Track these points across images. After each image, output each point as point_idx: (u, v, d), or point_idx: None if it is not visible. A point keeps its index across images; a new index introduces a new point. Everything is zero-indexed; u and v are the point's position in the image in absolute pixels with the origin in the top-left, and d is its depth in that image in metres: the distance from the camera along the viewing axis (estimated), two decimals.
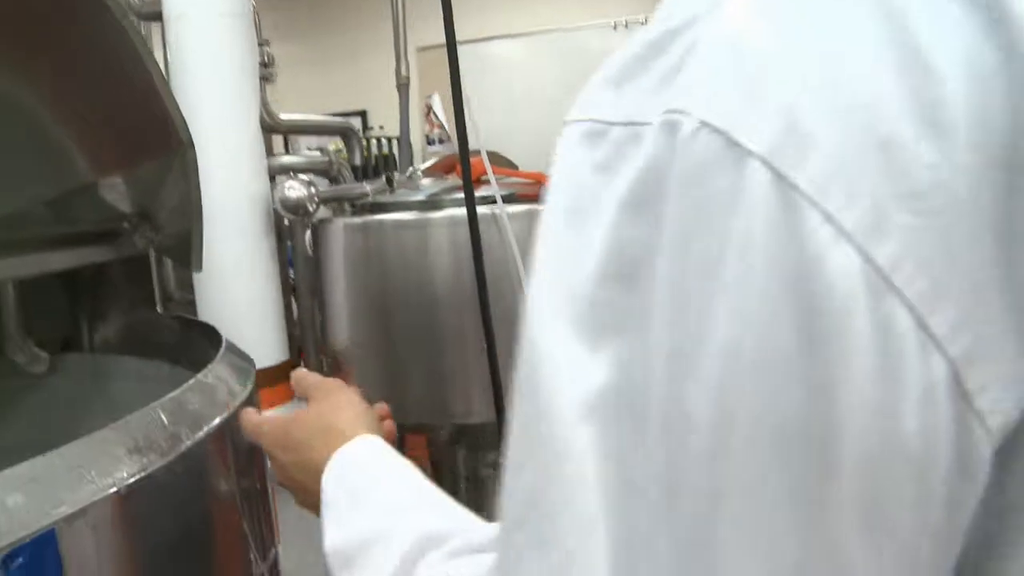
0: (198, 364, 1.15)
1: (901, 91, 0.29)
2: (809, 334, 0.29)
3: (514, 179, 2.08)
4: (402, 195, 1.99)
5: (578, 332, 0.34)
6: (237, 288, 1.87)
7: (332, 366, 2.16)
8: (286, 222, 2.26)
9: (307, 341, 2.42)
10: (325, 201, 1.95)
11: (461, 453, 2.18)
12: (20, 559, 0.48)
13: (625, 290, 0.34)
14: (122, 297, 1.40)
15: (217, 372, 0.84)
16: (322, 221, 1.97)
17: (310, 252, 2.33)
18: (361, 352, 1.98)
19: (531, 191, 1.91)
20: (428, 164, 2.03)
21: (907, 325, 0.28)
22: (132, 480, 0.59)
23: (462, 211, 1.72)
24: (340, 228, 1.90)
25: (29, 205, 1.19)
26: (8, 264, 1.14)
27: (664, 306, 0.32)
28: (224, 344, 0.94)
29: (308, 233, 2.29)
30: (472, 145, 1.73)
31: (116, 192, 1.21)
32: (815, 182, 0.29)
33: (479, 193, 1.76)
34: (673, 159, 0.31)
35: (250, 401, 0.85)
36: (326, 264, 2.00)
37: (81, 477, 0.56)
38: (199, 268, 1.24)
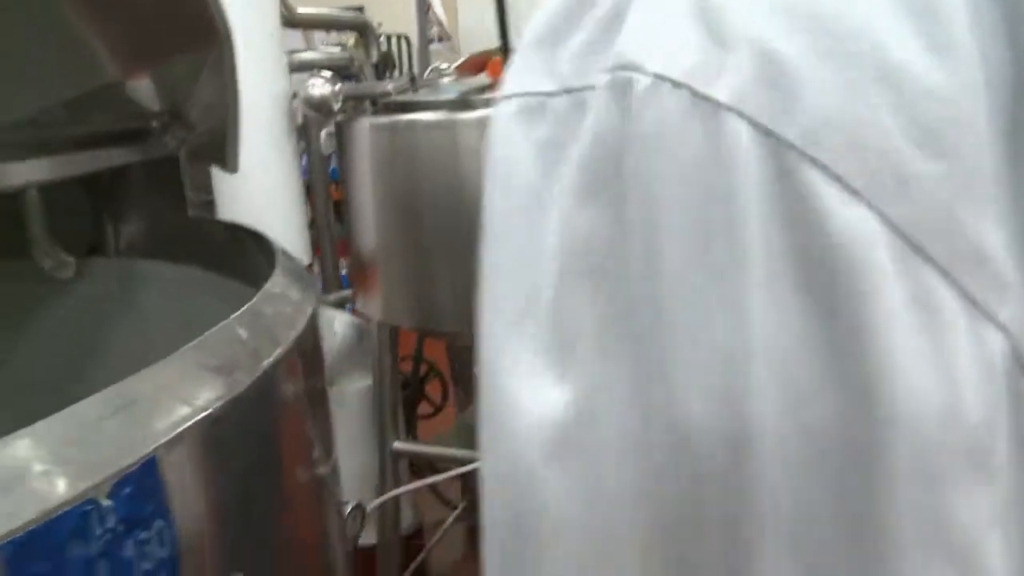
0: (234, 270, 1.11)
1: (899, 13, 0.23)
2: (832, 323, 0.23)
3: None
4: (425, 94, 1.91)
5: (539, 350, 0.28)
6: (259, 189, 1.82)
7: (354, 268, 2.12)
8: (300, 121, 2.19)
9: (323, 241, 2.38)
10: (348, 99, 1.88)
11: None
12: (128, 488, 0.45)
13: (592, 291, 0.27)
14: (151, 199, 1.35)
15: (280, 281, 0.80)
16: (346, 120, 1.90)
17: (325, 152, 2.27)
18: (386, 255, 1.94)
19: None
20: (460, 62, 1.95)
21: (947, 295, 0.23)
22: (223, 402, 0.56)
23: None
24: (366, 128, 1.83)
25: (55, 104, 1.13)
26: (33, 167, 1.08)
27: (643, 305, 0.25)
28: (278, 250, 0.90)
29: (324, 132, 2.22)
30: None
31: (146, 90, 1.15)
32: (809, 133, 0.23)
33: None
34: (627, 125, 0.25)
35: (316, 310, 0.82)
36: (350, 165, 1.93)
37: (172, 399, 0.53)
38: (235, 168, 1.19)
